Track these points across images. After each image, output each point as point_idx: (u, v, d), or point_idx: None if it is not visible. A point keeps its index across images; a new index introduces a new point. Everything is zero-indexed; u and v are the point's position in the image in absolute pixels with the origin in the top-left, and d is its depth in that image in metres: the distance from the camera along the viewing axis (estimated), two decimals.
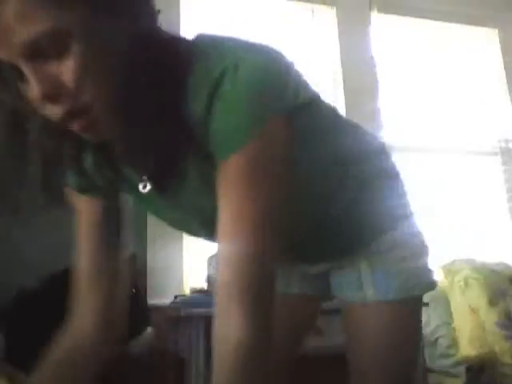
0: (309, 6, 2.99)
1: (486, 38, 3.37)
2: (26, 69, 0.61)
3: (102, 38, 0.63)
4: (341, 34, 2.95)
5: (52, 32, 0.60)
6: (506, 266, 2.59)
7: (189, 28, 2.69)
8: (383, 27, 3.08)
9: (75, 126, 0.65)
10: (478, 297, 2.42)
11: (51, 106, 0.63)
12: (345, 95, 2.88)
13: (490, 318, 2.37)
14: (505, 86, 3.30)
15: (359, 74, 2.92)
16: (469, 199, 3.07)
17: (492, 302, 2.40)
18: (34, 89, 0.61)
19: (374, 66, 2.97)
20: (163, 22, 0.71)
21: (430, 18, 3.19)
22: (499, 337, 2.32)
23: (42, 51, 0.60)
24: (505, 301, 2.38)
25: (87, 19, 0.62)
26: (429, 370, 2.18)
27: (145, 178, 0.77)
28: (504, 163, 3.15)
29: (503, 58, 3.32)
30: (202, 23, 2.75)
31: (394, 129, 2.96)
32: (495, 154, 3.18)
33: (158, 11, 0.71)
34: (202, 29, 0.76)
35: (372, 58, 2.97)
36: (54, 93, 0.62)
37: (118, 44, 0.64)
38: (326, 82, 2.93)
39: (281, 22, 2.92)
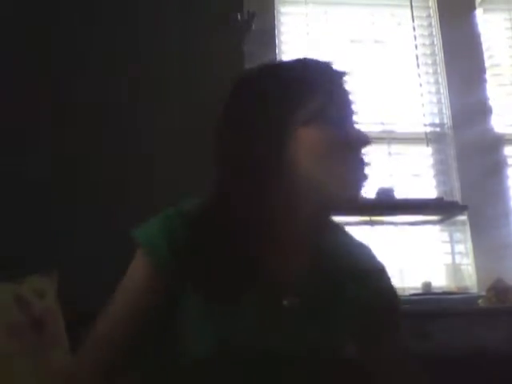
0: None
1: None
2: None
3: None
4: (443, 21, 2.82)
5: None
6: None
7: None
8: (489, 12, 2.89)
9: (359, 171, 0.87)
10: None
11: (354, 153, 0.87)
12: (448, 85, 2.75)
13: None
14: None
15: (464, 62, 2.76)
16: None
17: None
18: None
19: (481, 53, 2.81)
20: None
21: None
22: None
23: None
24: None
25: None
26: None
27: (290, 294, 0.88)
28: None
29: None
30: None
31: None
32: None
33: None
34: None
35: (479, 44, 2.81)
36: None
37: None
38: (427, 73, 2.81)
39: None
